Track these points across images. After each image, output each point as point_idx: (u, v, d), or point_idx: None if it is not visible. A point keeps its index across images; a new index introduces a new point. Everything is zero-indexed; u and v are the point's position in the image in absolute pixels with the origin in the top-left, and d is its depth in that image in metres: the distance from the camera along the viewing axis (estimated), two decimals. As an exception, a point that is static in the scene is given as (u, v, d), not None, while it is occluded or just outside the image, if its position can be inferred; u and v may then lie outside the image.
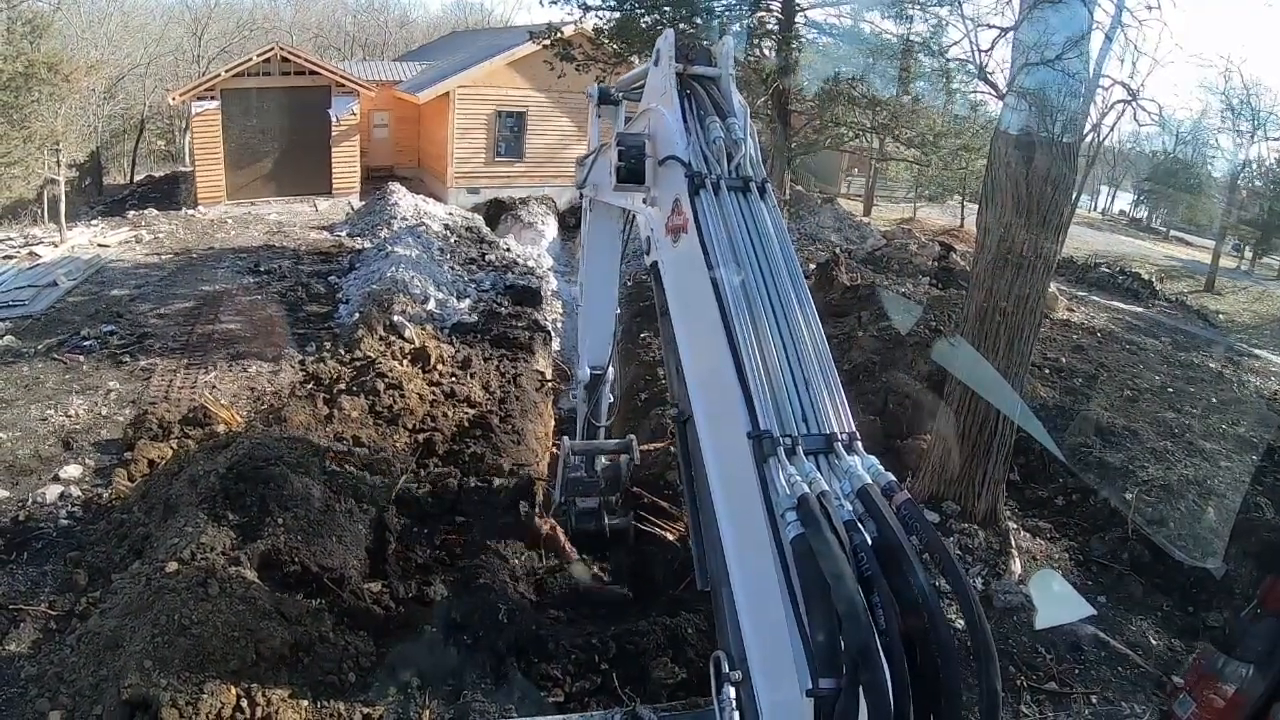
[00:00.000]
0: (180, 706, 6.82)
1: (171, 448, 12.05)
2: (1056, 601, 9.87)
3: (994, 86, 14.16)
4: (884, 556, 3.27)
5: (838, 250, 25.29)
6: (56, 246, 25.44)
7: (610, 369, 9.75)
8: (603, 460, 9.89)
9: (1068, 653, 9.27)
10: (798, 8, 25.51)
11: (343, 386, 13.54)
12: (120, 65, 42.82)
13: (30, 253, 24.99)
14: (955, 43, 23.86)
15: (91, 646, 7.82)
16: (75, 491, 11.33)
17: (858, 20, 26.55)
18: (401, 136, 37.26)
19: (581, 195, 8.88)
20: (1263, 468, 13.81)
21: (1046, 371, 17.43)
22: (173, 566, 8.14)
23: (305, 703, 7.25)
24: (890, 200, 44.85)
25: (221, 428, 12.50)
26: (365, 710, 7.34)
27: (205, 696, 6.92)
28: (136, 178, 42.93)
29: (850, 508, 3.49)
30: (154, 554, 8.77)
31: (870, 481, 3.57)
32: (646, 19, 24.90)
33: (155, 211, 29.79)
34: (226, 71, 32.42)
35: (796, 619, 3.29)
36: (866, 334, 16.82)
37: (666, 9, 24.74)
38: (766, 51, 26.48)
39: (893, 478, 3.65)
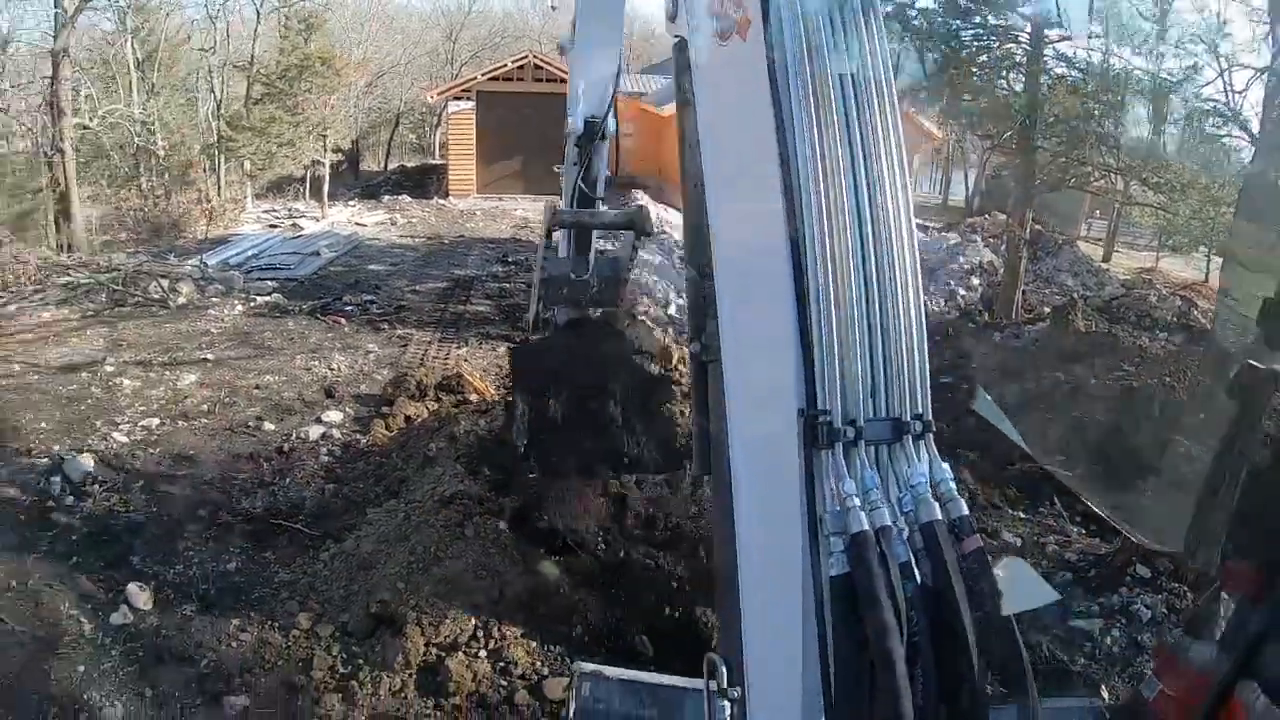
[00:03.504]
0: (424, 626, 7.62)
1: (428, 408, 12.95)
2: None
3: (1248, 131, 13.67)
4: (935, 623, 2.71)
5: (1075, 295, 24.69)
6: (318, 221, 27.40)
7: (611, 121, 7.28)
8: (595, 249, 7.62)
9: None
10: (1046, 40, 24.97)
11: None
12: (381, 63, 45.27)
13: (294, 225, 26.99)
14: (1209, 82, 22.96)
15: (345, 564, 8.84)
16: (335, 434, 12.38)
17: (1108, 56, 25.73)
18: (644, 147, 38.08)
19: None
20: None
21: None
22: (433, 505, 8.88)
23: (534, 644, 7.83)
24: (1132, 247, 43.05)
25: (474, 397, 13.29)
26: (573, 657, 7.78)
27: (448, 621, 7.67)
28: (390, 166, 45.44)
29: (905, 530, 2.81)
30: (411, 494, 9.62)
31: (939, 514, 2.80)
32: (895, 45, 24.84)
33: (408, 198, 31.66)
34: (482, 75, 34.20)
35: (821, 658, 2.81)
36: (1099, 383, 16.49)
37: (914, 37, 24.65)
38: (1013, 84, 26.01)
39: (965, 507, 2.86)
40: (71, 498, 10.10)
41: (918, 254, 2.99)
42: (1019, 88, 25.56)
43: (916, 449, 2.89)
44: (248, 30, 33.69)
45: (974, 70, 23.01)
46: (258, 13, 32.83)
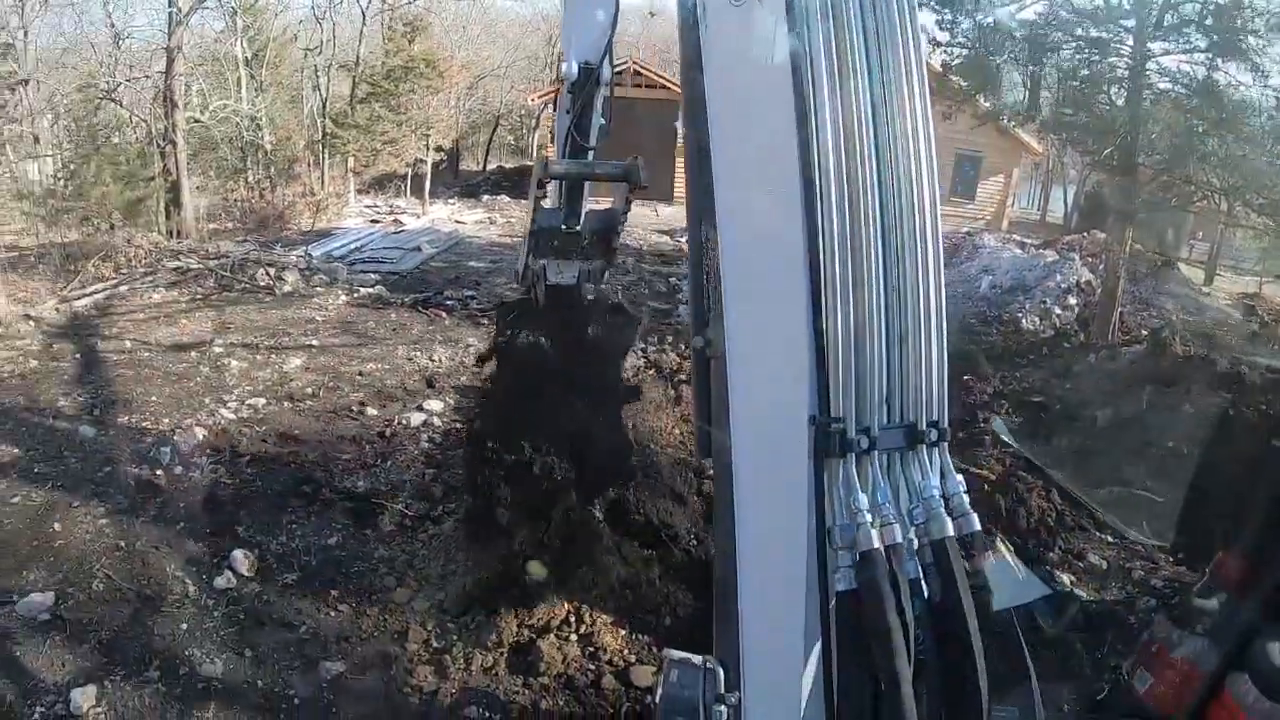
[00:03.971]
0: (517, 608, 7.83)
1: (528, 401, 13.01)
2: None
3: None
4: (943, 640, 2.69)
5: (1173, 318, 24.24)
6: (418, 218, 27.90)
7: (606, 69, 6.24)
8: (588, 204, 6.84)
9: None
10: (1149, 54, 24.42)
11: (682, 377, 14.17)
12: (482, 66, 45.93)
13: (395, 220, 27.51)
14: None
15: (443, 544, 9.12)
16: (436, 422, 12.51)
17: (1213, 70, 25.07)
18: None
19: None
20: None
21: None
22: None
23: (623, 632, 7.96)
24: (1235, 271, 42.00)
25: (572, 394, 13.32)
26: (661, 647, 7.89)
27: (542, 604, 7.88)
28: (488, 166, 46.09)
29: (915, 542, 2.76)
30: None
31: (951, 529, 2.73)
32: (996, 59, 24.56)
33: (507, 199, 32.13)
34: (582, 80, 34.47)
35: (824, 675, 2.78)
36: (1193, 409, 16.19)
37: (1016, 50, 24.34)
38: (1114, 99, 25.52)
39: (976, 522, 2.79)
40: (180, 468, 10.36)
41: (941, 250, 2.83)
42: (1121, 102, 25.10)
43: (930, 457, 2.82)
44: (352, 31, 34.41)
45: (1075, 84, 22.67)
46: (363, 14, 33.51)
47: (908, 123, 2.76)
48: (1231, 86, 23.99)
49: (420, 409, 12.78)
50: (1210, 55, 24.26)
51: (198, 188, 27.45)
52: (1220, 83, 24.27)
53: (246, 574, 8.53)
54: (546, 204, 6.76)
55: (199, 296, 18.01)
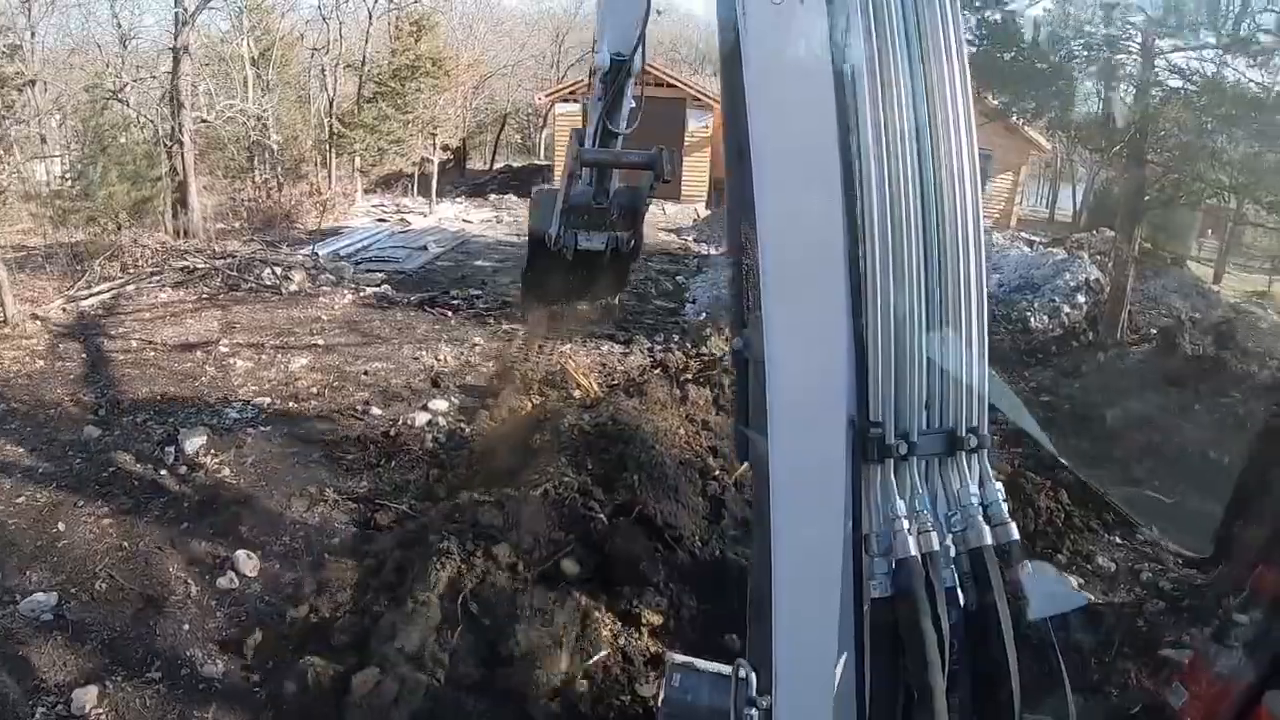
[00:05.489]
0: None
1: (533, 401, 13.07)
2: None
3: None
4: (978, 652, 2.66)
5: (1182, 317, 24.13)
6: (425, 217, 27.98)
7: (638, 59, 6.56)
8: (616, 182, 7.22)
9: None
10: (1158, 52, 24.30)
11: (689, 376, 14.11)
12: (489, 65, 45.95)
13: (401, 219, 27.57)
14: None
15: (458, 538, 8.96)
16: (441, 421, 12.51)
17: (1222, 68, 24.92)
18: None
19: None
20: None
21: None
22: (539, 493, 9.06)
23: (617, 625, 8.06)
24: (1245, 269, 41.81)
25: (578, 392, 13.38)
26: (668, 650, 7.85)
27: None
28: (495, 166, 46.17)
29: (953, 549, 2.72)
30: (515, 482, 9.78)
31: (989, 539, 2.69)
32: (1005, 55, 24.48)
33: (514, 197, 32.19)
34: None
35: (858, 683, 2.76)
36: (1202, 409, 16.11)
37: (1025, 47, 24.26)
38: (1123, 97, 25.40)
39: (1015, 531, 2.74)
40: (184, 468, 10.41)
41: (984, 255, 2.77)
42: (1130, 100, 25.01)
43: (969, 464, 2.78)
44: (359, 30, 34.42)
45: (1084, 81, 22.59)
46: (369, 14, 33.50)
47: (950, 123, 2.72)
48: (1241, 83, 23.89)
49: (425, 409, 12.79)
50: (1220, 52, 24.16)
51: (205, 187, 27.42)
52: (1229, 80, 24.17)
53: (250, 575, 8.55)
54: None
55: (205, 296, 18.03)
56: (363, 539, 9.39)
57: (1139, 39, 23.33)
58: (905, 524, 2.62)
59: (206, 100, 28.58)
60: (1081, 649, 8.02)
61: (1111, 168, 27.13)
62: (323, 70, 33.79)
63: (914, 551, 2.59)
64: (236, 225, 26.76)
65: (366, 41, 33.82)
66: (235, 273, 18.96)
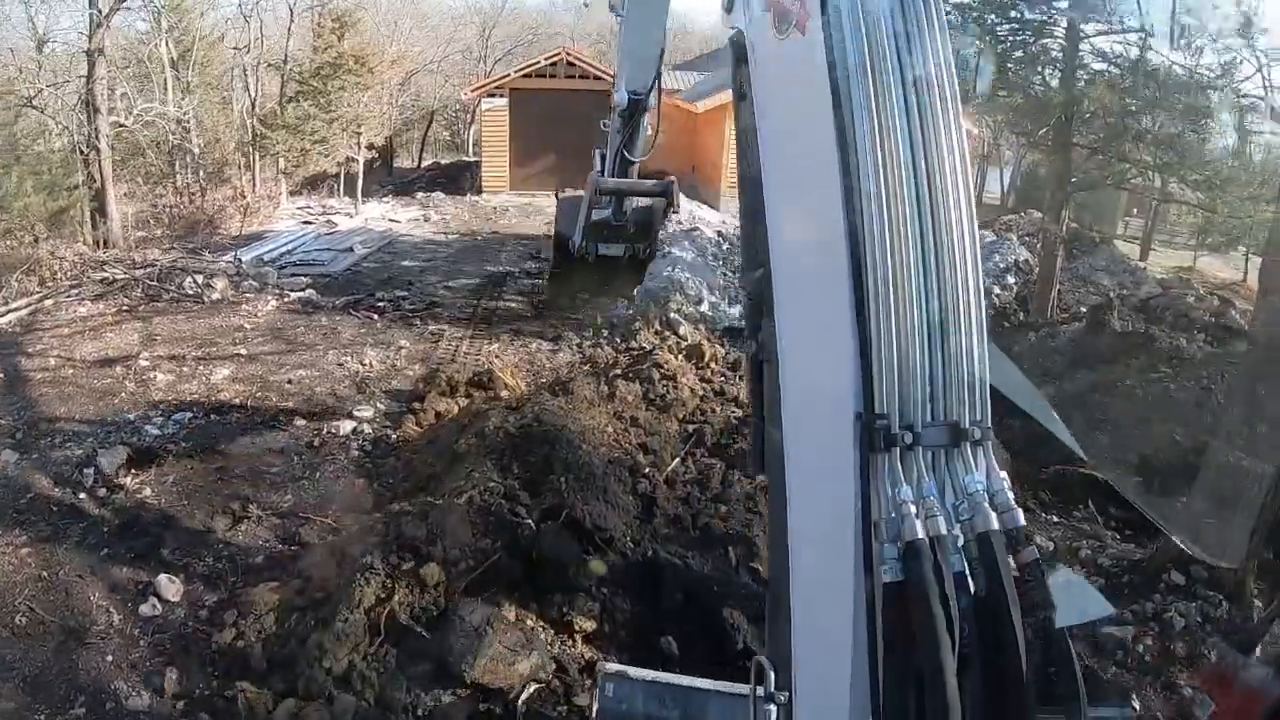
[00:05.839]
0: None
1: (459, 404, 12.99)
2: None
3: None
4: (988, 634, 2.69)
5: (1110, 295, 24.44)
6: (351, 217, 27.69)
7: (652, 97, 7.62)
8: (634, 203, 8.21)
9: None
10: (1083, 35, 24.59)
11: (618, 372, 14.01)
12: (414, 61, 45.50)
13: (327, 221, 27.26)
14: (1247, 78, 22.54)
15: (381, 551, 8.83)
16: (367, 429, 12.42)
17: (1146, 51, 25.29)
18: (677, 143, 37.99)
19: None
20: None
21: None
22: (463, 500, 8.92)
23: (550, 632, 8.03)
24: (1170, 246, 42.61)
25: (505, 393, 13.28)
26: (602, 656, 7.85)
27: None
28: (423, 163, 45.85)
29: (960, 537, 2.79)
30: (441, 489, 9.66)
31: (996, 523, 2.77)
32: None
33: (442, 195, 32.02)
34: (515, 72, 34.57)
35: (870, 668, 2.75)
36: (1134, 385, 16.31)
37: (952, 31, 24.35)
38: (1049, 80, 25.67)
39: (1021, 517, 2.84)
40: (104, 490, 10.24)
41: (980, 257, 2.92)
42: (1055, 83, 25.28)
43: (975, 455, 2.85)
44: (281, 29, 33.90)
45: (1010, 65, 22.86)
46: (291, 11, 32.97)
47: (942, 134, 2.86)
48: (1164, 66, 24.23)
49: (350, 416, 12.71)
50: (1143, 35, 24.49)
51: (125, 195, 26.94)
52: (1153, 62, 24.51)
53: (173, 599, 8.42)
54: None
55: (126, 308, 17.70)
56: (288, 556, 9.28)
57: (1064, 23, 23.59)
58: (912, 509, 2.70)
59: (124, 104, 28.02)
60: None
61: (1038, 150, 27.40)
62: (244, 70, 33.25)
63: (921, 534, 2.67)
64: (158, 233, 26.36)
65: (289, 40, 33.34)
66: (156, 283, 18.64)
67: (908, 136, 2.83)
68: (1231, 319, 23.04)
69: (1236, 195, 25.09)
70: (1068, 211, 26.10)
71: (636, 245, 8.26)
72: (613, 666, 6.21)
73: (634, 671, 6.19)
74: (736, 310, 19.45)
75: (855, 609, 2.81)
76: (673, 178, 7.79)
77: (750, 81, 3.33)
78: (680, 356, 15.05)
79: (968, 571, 2.72)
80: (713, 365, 15.03)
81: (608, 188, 7.59)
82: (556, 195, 8.63)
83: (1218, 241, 39.14)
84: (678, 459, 11.28)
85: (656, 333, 16.61)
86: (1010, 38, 25.14)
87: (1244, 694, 5.65)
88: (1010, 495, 2.83)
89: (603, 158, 7.63)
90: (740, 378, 14.24)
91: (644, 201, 8.07)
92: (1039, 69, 25.21)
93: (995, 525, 2.74)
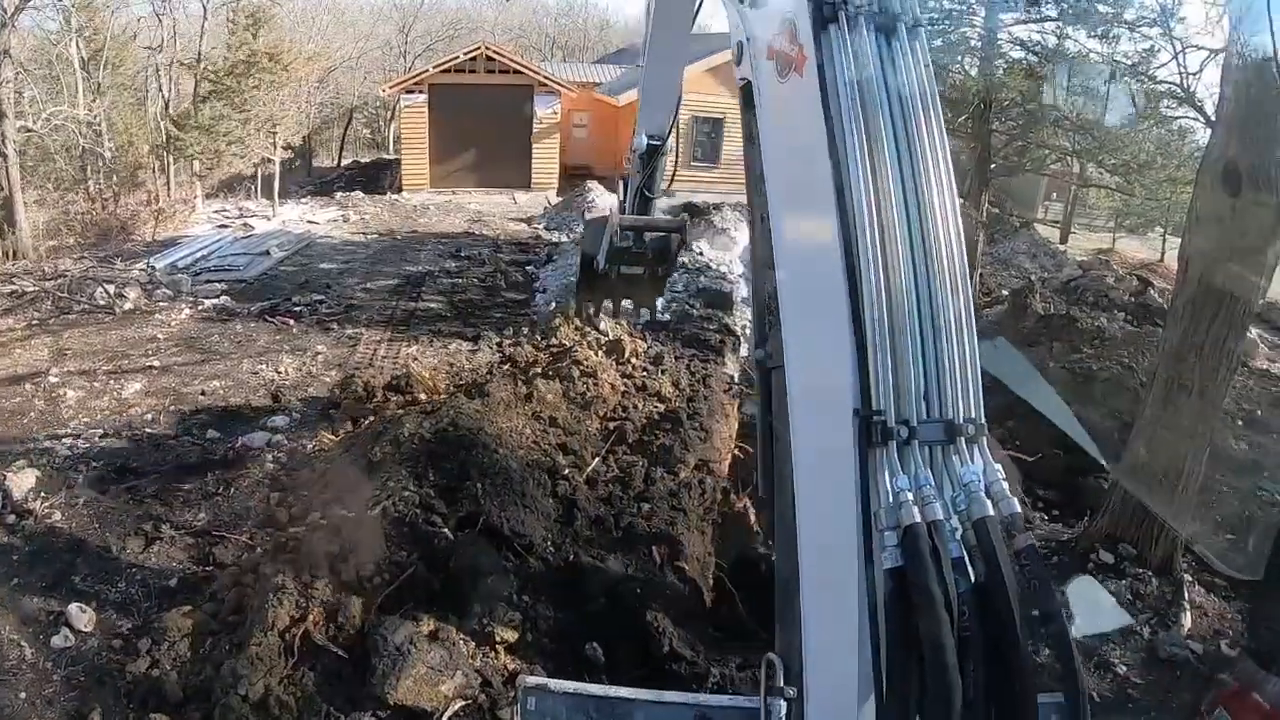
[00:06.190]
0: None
1: (376, 410, 12.81)
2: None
3: (1202, 113, 13.59)
4: (988, 617, 2.75)
5: (1032, 278, 24.77)
6: (269, 220, 27.28)
7: (670, 140, 8.37)
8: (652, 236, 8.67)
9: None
10: (1001, 24, 24.88)
11: (538, 370, 13.89)
12: (332, 57, 44.93)
13: (244, 224, 26.85)
14: (1163, 65, 22.99)
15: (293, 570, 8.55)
16: (282, 440, 12.27)
17: (1063, 39, 25.69)
18: (600, 137, 37.90)
19: None
20: None
21: (1240, 424, 16.66)
22: (376, 512, 8.75)
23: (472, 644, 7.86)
24: (1089, 229, 43.37)
25: (423, 396, 13.19)
26: (526, 666, 7.78)
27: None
28: (343, 162, 45.35)
29: (959, 528, 2.86)
30: (355, 500, 9.48)
31: (992, 510, 2.83)
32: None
33: (361, 194, 31.68)
34: (434, 67, 34.21)
35: (873, 652, 2.86)
36: (1057, 366, 16.50)
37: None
38: (968, 68, 25.94)
39: (1017, 505, 2.91)
40: (13, 516, 9.96)
41: (967, 262, 3.10)
42: (974, 71, 25.54)
43: (970, 451, 2.95)
44: (196, 27, 33.25)
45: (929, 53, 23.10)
46: (204, 8, 32.33)
47: (927, 149, 3.08)
48: (1082, 53, 24.58)
49: (264, 427, 12.55)
50: (1061, 23, 24.84)
51: (35, 202, 26.34)
52: (1071, 50, 24.87)
53: (85, 629, 8.23)
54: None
55: (35, 322, 17.28)
56: (202, 578, 9.12)
57: (982, 12, 23.83)
58: (909, 496, 2.80)
59: (32, 108, 27.35)
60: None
61: (957, 137, 27.72)
62: (158, 70, 32.57)
63: (918, 518, 2.77)
64: (70, 241, 25.87)
65: (202, 38, 32.67)
66: (66, 294, 18.20)
67: (897, 159, 3.04)
68: (1150, 298, 23.47)
69: (1153, 178, 25.58)
70: (987, 196, 26.47)
71: (657, 268, 8.59)
72: (533, 680, 6.08)
73: (555, 684, 5.98)
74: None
75: (862, 604, 2.91)
76: (685, 217, 9.05)
77: (757, 125, 3.65)
78: (601, 353, 14.96)
79: (966, 559, 2.81)
80: (634, 360, 14.96)
81: (627, 224, 8.13)
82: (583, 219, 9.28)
83: (1135, 223, 40.12)
84: (599, 458, 11.24)
85: (577, 329, 16.48)
86: (929, 26, 25.19)
87: (1262, 709, 5.69)
88: (1005, 485, 2.91)
89: (625, 190, 8.47)
90: (663, 372, 14.37)
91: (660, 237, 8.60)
92: (957, 57, 25.47)
93: (991, 511, 2.83)
